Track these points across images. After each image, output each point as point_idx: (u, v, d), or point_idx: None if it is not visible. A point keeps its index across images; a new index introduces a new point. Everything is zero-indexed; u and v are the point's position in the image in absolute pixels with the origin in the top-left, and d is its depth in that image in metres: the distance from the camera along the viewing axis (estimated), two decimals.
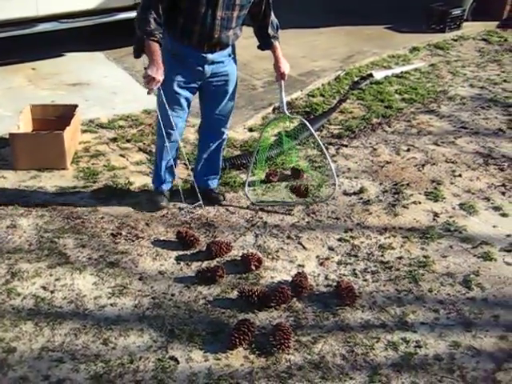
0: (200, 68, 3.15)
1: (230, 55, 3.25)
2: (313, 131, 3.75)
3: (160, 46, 2.91)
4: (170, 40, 3.07)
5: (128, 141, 4.46)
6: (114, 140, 4.46)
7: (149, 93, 3.00)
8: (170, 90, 3.14)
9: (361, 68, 6.46)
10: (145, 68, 2.92)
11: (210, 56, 3.12)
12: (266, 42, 3.31)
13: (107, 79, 5.73)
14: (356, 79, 6.10)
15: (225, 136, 3.58)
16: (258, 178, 3.85)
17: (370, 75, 6.16)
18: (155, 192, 3.64)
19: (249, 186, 3.73)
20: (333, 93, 5.70)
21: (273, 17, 3.26)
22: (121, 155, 4.25)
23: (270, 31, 3.26)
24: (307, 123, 3.71)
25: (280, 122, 4.00)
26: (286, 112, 3.51)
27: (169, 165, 3.51)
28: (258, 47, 3.37)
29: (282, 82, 3.39)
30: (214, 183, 3.73)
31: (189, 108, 3.35)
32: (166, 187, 3.62)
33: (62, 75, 5.81)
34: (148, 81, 2.92)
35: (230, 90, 3.35)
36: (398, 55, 7.03)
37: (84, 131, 4.56)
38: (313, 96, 5.56)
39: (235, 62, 3.33)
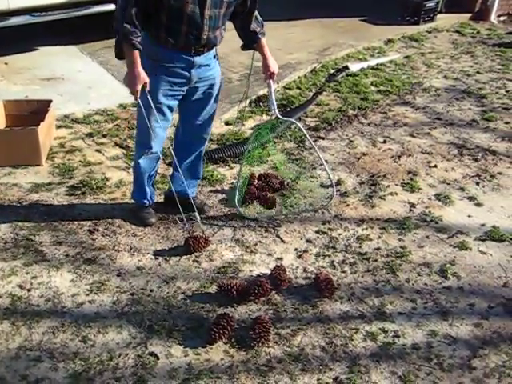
0: (187, 73, 2.90)
1: (214, 57, 3.03)
2: (306, 134, 3.53)
3: (138, 50, 2.69)
4: (153, 44, 2.81)
5: (104, 136, 4.42)
6: (90, 135, 4.42)
7: (136, 99, 2.85)
8: (153, 99, 2.88)
9: (337, 60, 6.49)
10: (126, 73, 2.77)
11: (197, 59, 2.88)
12: (251, 40, 3.08)
13: (82, 74, 5.66)
14: (332, 71, 6.12)
15: (207, 141, 3.38)
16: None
17: (346, 67, 6.19)
18: (139, 207, 3.41)
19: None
20: (309, 85, 5.71)
21: (257, 13, 3.03)
22: (97, 150, 4.20)
23: (256, 27, 3.04)
24: (300, 126, 3.51)
25: (271, 125, 3.65)
26: (278, 114, 3.27)
27: (151, 178, 3.31)
28: (243, 47, 3.14)
29: (271, 82, 3.17)
30: (193, 191, 3.49)
31: (172, 116, 3.11)
32: (150, 200, 3.40)
33: (36, 70, 5.72)
34: (132, 91, 2.79)
35: (215, 93, 3.13)
36: (374, 47, 7.07)
37: (59, 127, 4.51)
38: (289, 88, 5.57)
39: (219, 63, 3.11)
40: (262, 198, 3.60)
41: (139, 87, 2.76)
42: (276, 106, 3.25)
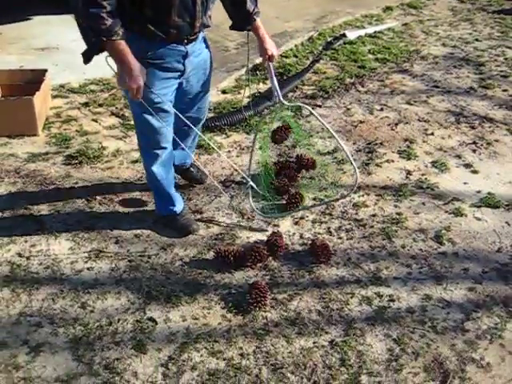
0: (181, 66, 2.60)
1: (203, 37, 2.74)
2: (319, 118, 2.95)
3: (126, 41, 2.29)
4: (138, 39, 2.40)
5: (100, 105, 4.40)
6: (86, 105, 4.40)
7: (138, 99, 2.43)
8: (149, 102, 2.54)
9: (334, 28, 6.44)
10: (116, 74, 2.36)
11: (189, 48, 2.57)
12: (245, 21, 2.76)
13: (77, 43, 5.48)
14: (329, 39, 6.07)
15: (204, 119, 3.15)
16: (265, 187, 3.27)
17: (343, 35, 6.13)
18: (172, 218, 3.06)
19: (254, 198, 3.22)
20: (306, 53, 5.67)
21: None
22: (93, 120, 4.19)
23: (250, 6, 2.71)
24: (311, 110, 2.98)
25: (277, 113, 3.24)
26: (283, 100, 2.91)
27: (172, 181, 3.01)
28: (233, 28, 2.84)
29: (271, 64, 2.85)
30: (189, 159, 3.37)
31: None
32: (180, 205, 3.06)
33: (30, 39, 5.67)
34: (128, 91, 2.38)
35: (207, 75, 2.87)
36: (371, 15, 7.00)
37: (54, 96, 4.49)
38: (286, 57, 5.53)
39: (206, 41, 2.80)
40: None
41: (142, 82, 2.35)
42: (279, 91, 2.89)
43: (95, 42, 2.30)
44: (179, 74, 2.65)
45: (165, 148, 2.82)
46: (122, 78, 2.35)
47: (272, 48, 2.81)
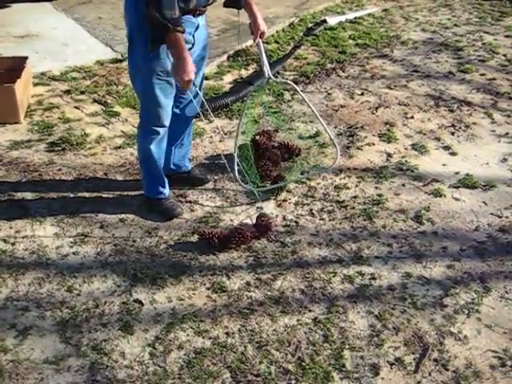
0: (191, 37, 2.62)
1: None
2: (304, 97, 3.15)
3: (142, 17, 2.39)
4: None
5: (82, 92, 4.40)
6: (68, 92, 4.39)
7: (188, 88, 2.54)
8: (160, 75, 2.63)
9: (315, 14, 6.48)
10: (172, 65, 2.46)
11: (199, 21, 2.64)
12: None
13: (57, 30, 5.57)
14: (310, 25, 6.11)
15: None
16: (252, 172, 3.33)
17: (324, 21, 6.18)
18: (159, 201, 3.10)
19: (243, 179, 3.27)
20: (287, 39, 5.70)
21: None
22: (75, 107, 4.19)
23: None
24: (297, 88, 3.23)
25: (265, 88, 3.34)
26: (272, 76, 3.07)
27: (162, 162, 3.01)
28: (227, 5, 2.85)
29: (261, 41, 2.96)
30: (189, 163, 3.39)
31: None
32: (168, 189, 3.10)
33: (9, 27, 5.62)
34: (183, 84, 2.48)
35: (206, 51, 2.90)
36: (352, 1, 7.06)
37: (36, 84, 4.47)
38: (267, 43, 5.55)
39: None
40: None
41: (193, 75, 2.47)
42: (268, 67, 3.04)
43: (161, 29, 2.36)
44: (190, 46, 2.63)
45: (165, 126, 2.86)
46: (176, 69, 2.45)
47: (263, 25, 2.94)
